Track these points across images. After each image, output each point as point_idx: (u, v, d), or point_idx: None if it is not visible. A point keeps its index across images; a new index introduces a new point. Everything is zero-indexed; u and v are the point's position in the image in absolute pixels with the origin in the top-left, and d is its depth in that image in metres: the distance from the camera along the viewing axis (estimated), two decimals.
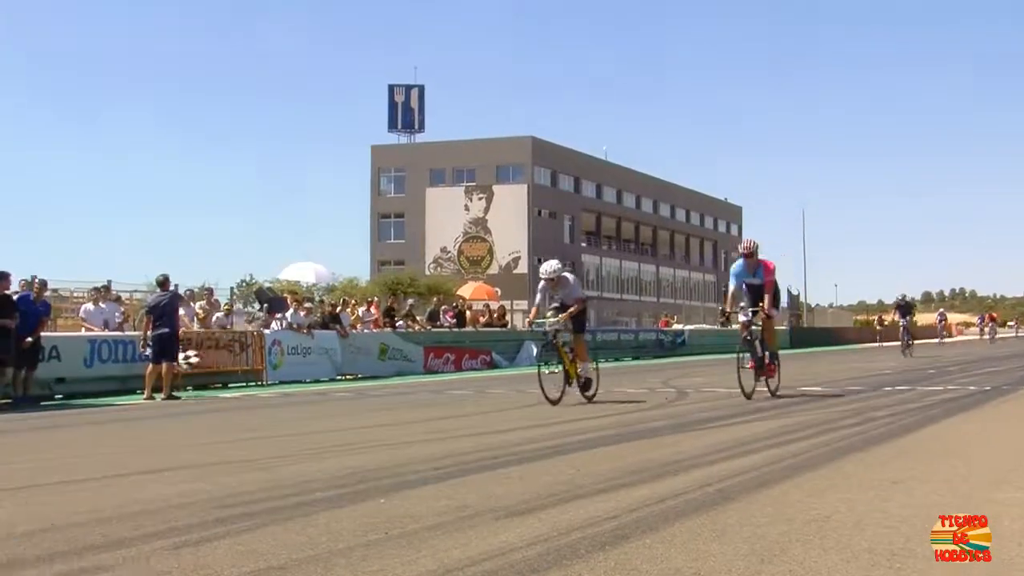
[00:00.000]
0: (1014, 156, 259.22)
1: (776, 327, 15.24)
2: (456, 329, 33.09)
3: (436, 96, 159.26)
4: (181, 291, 21.67)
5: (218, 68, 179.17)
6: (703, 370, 26.49)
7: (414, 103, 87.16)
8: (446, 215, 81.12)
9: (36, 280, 18.63)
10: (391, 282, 58.72)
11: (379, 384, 23.57)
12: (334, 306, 28.90)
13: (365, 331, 28.30)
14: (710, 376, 22.90)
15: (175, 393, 18.94)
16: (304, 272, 57.88)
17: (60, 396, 18.91)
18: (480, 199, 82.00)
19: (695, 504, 6.06)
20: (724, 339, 49.97)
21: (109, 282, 23.12)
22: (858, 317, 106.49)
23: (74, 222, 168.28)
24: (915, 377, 20.38)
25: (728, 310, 15.56)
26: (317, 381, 24.58)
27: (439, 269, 79.35)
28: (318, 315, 27.64)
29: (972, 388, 16.61)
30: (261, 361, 23.69)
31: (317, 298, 44.20)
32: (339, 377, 25.90)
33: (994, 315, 65.21)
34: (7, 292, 17.38)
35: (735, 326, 15.77)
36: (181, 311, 20.34)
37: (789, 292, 67.99)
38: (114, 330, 20.98)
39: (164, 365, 18.64)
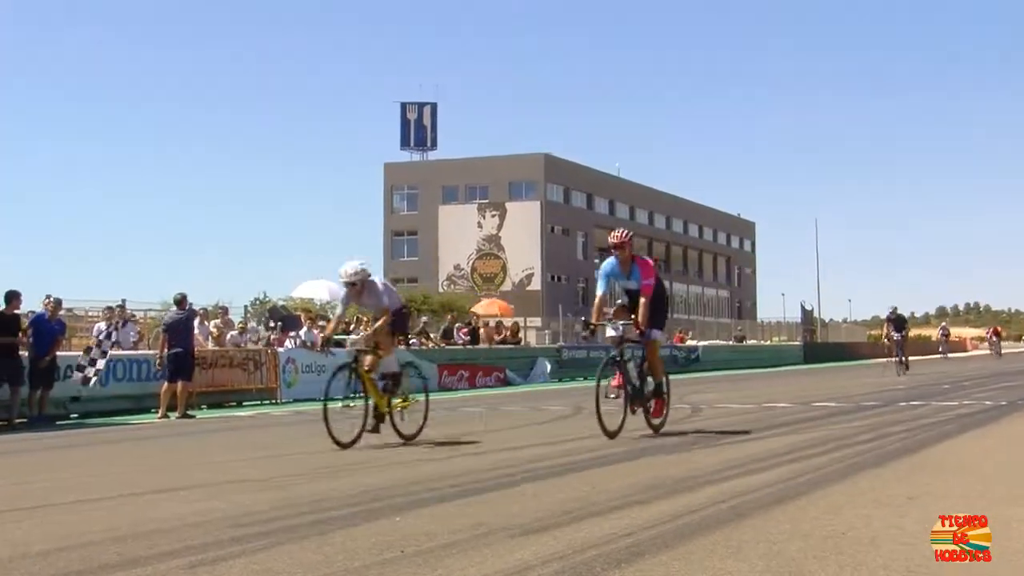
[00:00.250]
0: None
1: (658, 349, 11.89)
2: (470, 346, 33.09)
3: (448, 114, 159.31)
4: (196, 310, 21.70)
5: (230, 86, 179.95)
6: (717, 386, 26.43)
7: (426, 121, 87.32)
8: (459, 232, 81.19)
9: (51, 299, 18.68)
10: (404, 300, 58.71)
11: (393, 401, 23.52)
12: (348, 324, 28.88)
13: None
14: (724, 392, 22.86)
15: (189, 412, 18.96)
16: (317, 290, 57.81)
17: (75, 415, 18.95)
18: (493, 216, 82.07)
19: (711, 521, 6.04)
20: (739, 355, 50.13)
21: (124, 301, 23.20)
22: (872, 332, 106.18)
23: (89, 241, 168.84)
24: (930, 392, 20.30)
25: (593, 321, 12.63)
26: (332, 399, 24.52)
27: (452, 286, 79.39)
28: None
29: (988, 403, 16.53)
30: (275, 379, 23.70)
31: (331, 316, 44.30)
32: (353, 395, 25.82)
33: (999, 329, 63.77)
34: (17, 312, 17.47)
35: (606, 340, 12.78)
36: (196, 330, 20.37)
37: (803, 307, 67.74)
38: (128, 349, 21.02)
39: (179, 384, 18.67)
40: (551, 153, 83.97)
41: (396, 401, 12.58)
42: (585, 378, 36.07)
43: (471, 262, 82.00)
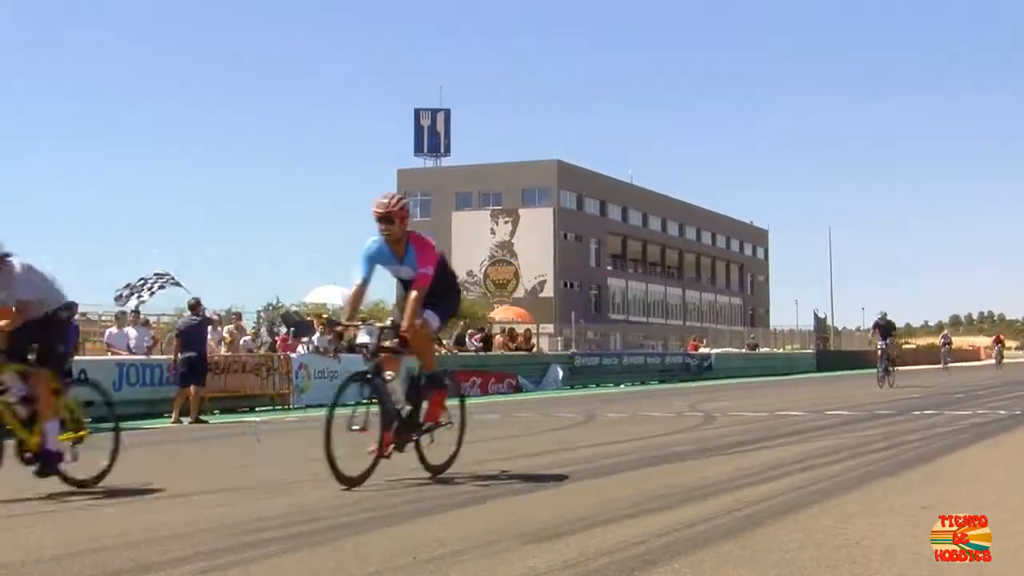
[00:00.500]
0: None
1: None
2: (482, 353, 33.10)
3: (461, 120, 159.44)
4: (209, 315, 21.74)
5: (243, 91, 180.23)
6: (730, 394, 26.39)
7: (440, 127, 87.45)
8: (472, 239, 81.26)
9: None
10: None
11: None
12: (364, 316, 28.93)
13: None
14: (737, 400, 22.82)
15: (202, 417, 19.00)
16: (330, 295, 57.95)
17: (88, 420, 18.97)
18: (506, 223, 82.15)
19: (723, 529, 6.03)
20: (752, 363, 50.02)
21: (137, 306, 23.26)
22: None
23: (98, 245, 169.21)
24: (944, 401, 20.24)
25: (344, 321, 10.04)
26: (344, 405, 24.55)
27: (465, 293, 79.35)
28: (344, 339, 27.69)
29: (1002, 412, 16.47)
30: (288, 385, 23.74)
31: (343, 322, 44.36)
32: (365, 401, 25.85)
33: (1001, 337, 60.49)
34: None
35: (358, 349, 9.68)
36: (209, 335, 20.42)
37: (816, 315, 67.60)
38: (142, 354, 21.07)
39: (192, 389, 18.72)
40: (564, 160, 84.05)
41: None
42: (598, 385, 36.12)
43: (484, 268, 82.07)
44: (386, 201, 9.15)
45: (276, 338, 26.13)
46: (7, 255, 8.30)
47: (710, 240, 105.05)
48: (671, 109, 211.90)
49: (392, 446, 8.82)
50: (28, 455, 8.34)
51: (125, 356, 20.70)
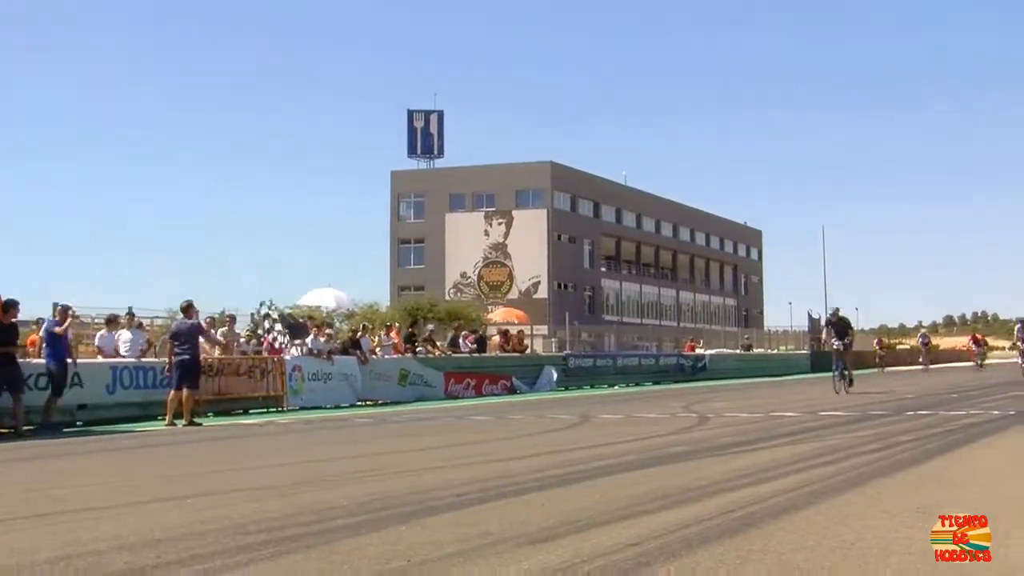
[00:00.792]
0: None
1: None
2: (476, 355, 33.09)
3: (455, 121, 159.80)
4: (202, 317, 21.70)
5: (238, 94, 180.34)
6: (724, 395, 26.40)
7: (433, 128, 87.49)
8: (466, 240, 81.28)
9: (59, 307, 18.81)
10: (411, 307, 58.82)
11: (400, 410, 23.57)
12: (354, 332, 28.92)
13: (385, 357, 28.33)
14: (731, 401, 22.83)
15: (196, 419, 18.96)
16: (324, 298, 58.16)
17: (82, 423, 18.97)
18: (500, 224, 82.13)
19: (718, 531, 6.03)
20: (746, 364, 50.04)
21: (130, 308, 23.22)
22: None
23: (92, 248, 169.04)
24: (938, 401, 20.27)
25: None
26: (338, 407, 24.59)
27: (459, 294, 79.42)
28: (338, 341, 27.70)
29: (995, 413, 16.50)
30: (282, 387, 23.71)
31: (337, 324, 44.32)
32: (359, 403, 25.90)
33: (979, 336, 56.40)
34: (15, 320, 17.54)
35: None
36: (202, 338, 20.37)
37: (810, 315, 67.53)
38: (135, 357, 21.02)
39: (185, 391, 18.68)
40: (557, 161, 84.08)
41: None
42: (592, 386, 36.13)
43: (478, 270, 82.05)
44: None
45: (264, 339, 26.04)
46: None
47: (704, 241, 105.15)
48: (664, 111, 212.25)
49: None
50: None
51: (119, 359, 20.65)
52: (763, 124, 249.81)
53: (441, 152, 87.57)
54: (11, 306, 17.41)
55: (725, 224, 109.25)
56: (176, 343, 18.99)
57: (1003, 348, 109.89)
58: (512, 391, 31.91)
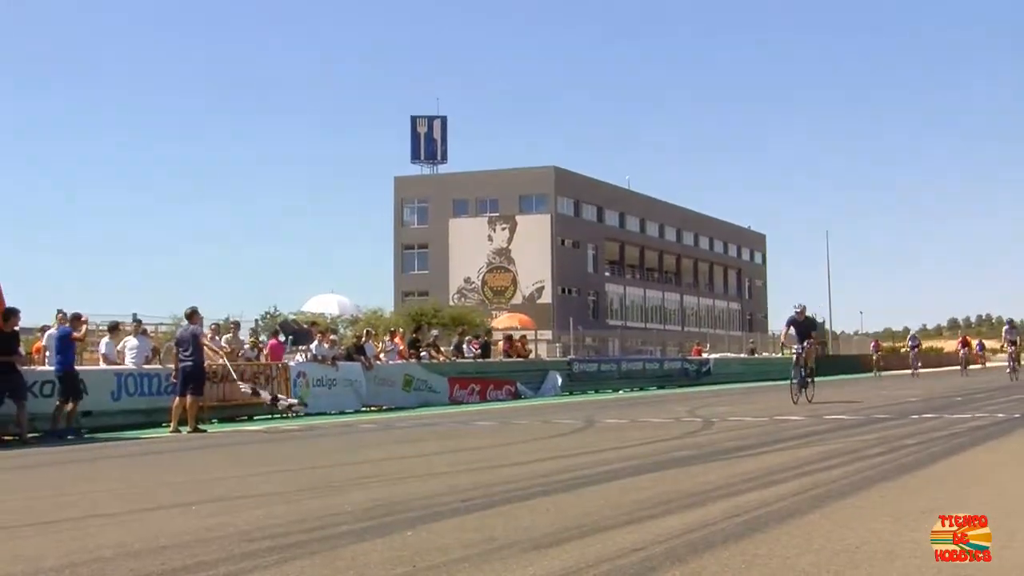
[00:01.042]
0: None
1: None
2: (481, 360, 33.08)
3: (458, 127, 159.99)
4: (207, 324, 21.71)
5: (241, 100, 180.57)
6: (728, 399, 26.39)
7: (436, 134, 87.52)
8: (469, 246, 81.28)
9: (63, 314, 18.93)
10: (415, 313, 58.83)
11: (404, 415, 23.57)
12: (359, 337, 28.92)
13: (390, 362, 28.32)
14: (736, 405, 22.82)
15: (200, 426, 18.97)
16: (328, 304, 58.13)
17: (86, 430, 18.99)
18: (503, 229, 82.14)
19: (723, 535, 6.03)
20: (750, 368, 49.98)
21: (135, 315, 23.25)
22: (884, 344, 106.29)
23: (95, 254, 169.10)
24: (942, 404, 20.25)
25: None
26: (342, 413, 24.60)
27: (463, 300, 79.42)
28: (342, 347, 27.71)
29: (1000, 415, 16.48)
30: (286, 393, 23.69)
31: (341, 330, 44.34)
32: (364, 409, 25.89)
33: (968, 339, 53.89)
34: (16, 329, 17.57)
35: None
36: (206, 344, 20.39)
37: (814, 320, 67.59)
38: (142, 364, 21.06)
39: (189, 398, 18.69)
40: (561, 166, 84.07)
41: None
42: (596, 391, 36.13)
43: (481, 275, 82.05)
44: None
45: (263, 346, 26.02)
46: None
47: (707, 245, 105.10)
48: (668, 115, 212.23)
49: None
50: None
51: (123, 366, 20.67)
52: (768, 129, 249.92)
53: (444, 158, 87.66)
54: (12, 314, 17.45)
55: (729, 228, 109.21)
56: (180, 350, 19.01)
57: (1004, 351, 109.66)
58: (516, 396, 31.89)
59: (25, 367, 18.04)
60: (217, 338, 22.73)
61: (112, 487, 10.29)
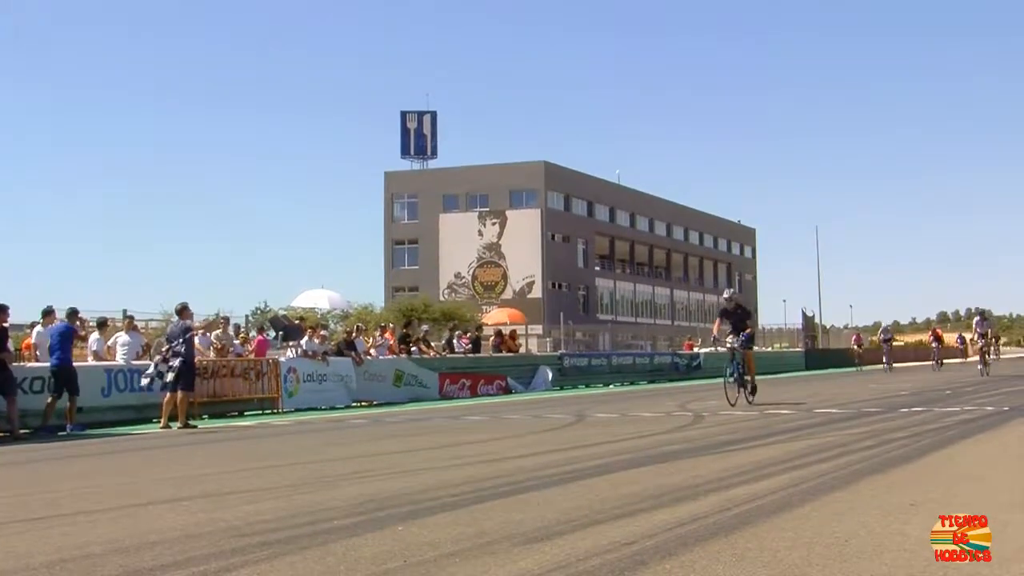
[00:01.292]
0: None
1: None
2: (471, 355, 33.10)
3: (448, 122, 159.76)
4: (197, 320, 21.69)
5: (231, 94, 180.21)
6: (719, 393, 26.38)
7: (427, 129, 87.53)
8: (460, 241, 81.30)
9: (51, 311, 19.00)
10: (405, 308, 58.79)
11: (395, 411, 23.56)
12: (349, 333, 28.95)
13: (380, 358, 28.32)
14: (726, 400, 22.80)
15: (191, 422, 18.95)
16: (318, 299, 58.03)
17: (85, 426, 18.96)
18: (493, 224, 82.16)
19: (713, 528, 6.04)
20: None
21: (125, 311, 23.21)
22: (874, 338, 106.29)
23: (85, 250, 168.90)
24: (932, 398, 20.30)
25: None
26: (333, 408, 24.59)
27: (453, 295, 79.43)
28: (333, 342, 27.70)
29: (990, 409, 16.53)
30: (277, 389, 23.70)
31: (332, 325, 44.29)
32: (354, 404, 25.89)
33: (939, 332, 50.55)
34: (4, 325, 17.54)
35: None
36: (197, 340, 20.37)
37: (804, 313, 67.72)
38: (132, 360, 21.03)
39: (180, 394, 18.67)
40: (551, 161, 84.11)
41: None
42: (587, 386, 36.15)
43: (472, 270, 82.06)
44: None
45: (252, 342, 26.01)
46: None
47: (697, 240, 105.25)
48: (658, 109, 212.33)
49: None
50: None
51: (114, 362, 20.64)
52: (757, 123, 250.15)
53: (435, 153, 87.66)
54: (1, 311, 17.43)
55: (719, 223, 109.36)
56: (171, 346, 18.98)
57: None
58: (507, 391, 31.92)
59: (14, 364, 18.01)
60: (207, 335, 22.72)
61: (102, 483, 10.27)
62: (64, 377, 18.07)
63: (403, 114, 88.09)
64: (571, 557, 5.35)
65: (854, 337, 58.54)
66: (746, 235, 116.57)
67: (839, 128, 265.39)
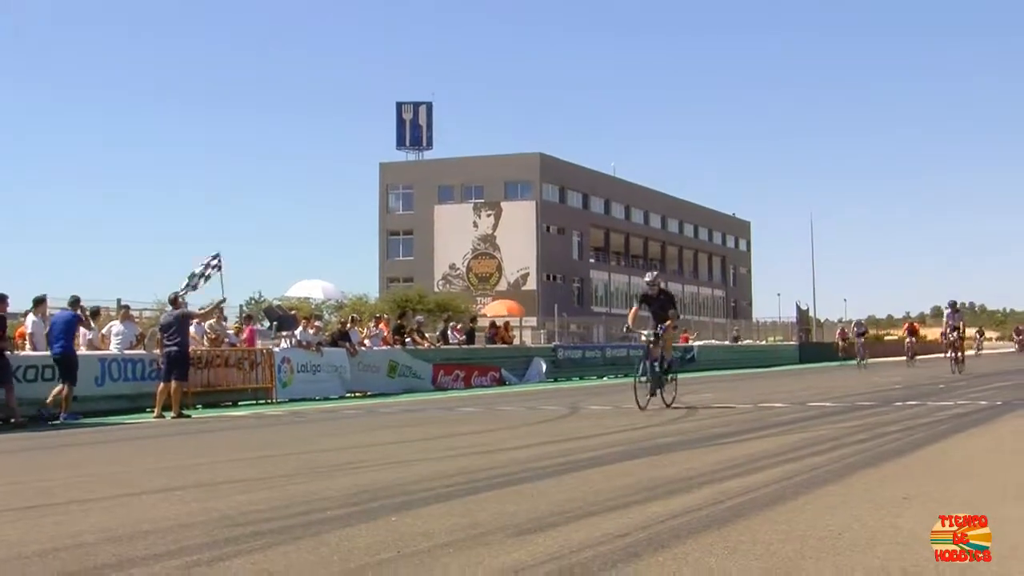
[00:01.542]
0: None
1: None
2: (465, 346, 33.09)
3: (444, 113, 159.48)
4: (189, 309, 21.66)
5: (225, 85, 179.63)
6: (713, 386, 26.44)
7: (422, 120, 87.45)
8: (454, 232, 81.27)
9: (44, 298, 19.06)
10: (400, 299, 58.79)
11: (388, 401, 23.56)
12: (343, 323, 28.89)
13: (374, 348, 28.30)
14: (720, 392, 22.87)
15: (185, 411, 18.95)
16: (312, 290, 57.95)
17: (79, 415, 18.96)
18: (488, 216, 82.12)
19: (706, 521, 6.05)
20: (735, 355, 50.12)
21: (119, 300, 23.18)
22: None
23: (80, 240, 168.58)
24: (925, 392, 20.34)
25: None
26: (326, 399, 24.59)
27: (448, 286, 79.43)
28: (327, 333, 27.70)
29: (983, 403, 16.56)
30: (271, 379, 23.69)
31: (326, 316, 44.27)
32: (348, 394, 25.89)
33: (915, 326, 46.77)
34: (3, 314, 17.52)
35: None
36: (192, 329, 20.36)
37: (798, 307, 67.75)
38: (126, 349, 21.03)
39: (173, 383, 18.66)
40: (546, 153, 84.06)
41: None
42: (581, 378, 36.18)
43: (467, 262, 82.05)
44: None
45: (244, 331, 25.95)
46: None
47: (692, 232, 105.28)
48: (654, 102, 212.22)
49: None
50: None
51: (108, 351, 20.64)
52: (751, 116, 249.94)
53: (430, 144, 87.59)
54: (1, 299, 17.42)
55: (713, 215, 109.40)
56: (165, 335, 18.98)
57: (990, 339, 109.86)
58: (501, 383, 31.93)
59: (8, 353, 18.00)
60: (202, 324, 22.69)
61: (96, 472, 10.27)
62: (66, 365, 18.08)
63: (399, 105, 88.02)
64: (564, 548, 5.35)
65: (839, 331, 57.82)
66: (741, 228, 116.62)
67: (835, 122, 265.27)
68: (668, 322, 17.33)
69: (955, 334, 31.56)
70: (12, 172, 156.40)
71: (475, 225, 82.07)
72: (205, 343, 22.65)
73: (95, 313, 21.53)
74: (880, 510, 6.35)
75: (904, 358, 42.63)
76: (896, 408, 15.71)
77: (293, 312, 29.25)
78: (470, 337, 34.38)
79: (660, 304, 17.55)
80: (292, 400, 23.60)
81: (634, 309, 18.32)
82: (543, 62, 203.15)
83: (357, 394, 26.15)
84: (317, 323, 27.89)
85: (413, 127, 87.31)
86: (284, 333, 26.29)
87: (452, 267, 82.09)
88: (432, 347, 31.29)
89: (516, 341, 39.49)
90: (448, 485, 7.92)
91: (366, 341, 28.32)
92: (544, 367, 34.84)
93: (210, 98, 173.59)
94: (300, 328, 26.01)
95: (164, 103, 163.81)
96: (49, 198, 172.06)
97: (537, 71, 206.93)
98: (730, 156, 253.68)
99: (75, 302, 18.94)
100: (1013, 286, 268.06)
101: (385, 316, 33.99)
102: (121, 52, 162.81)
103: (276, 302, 40.72)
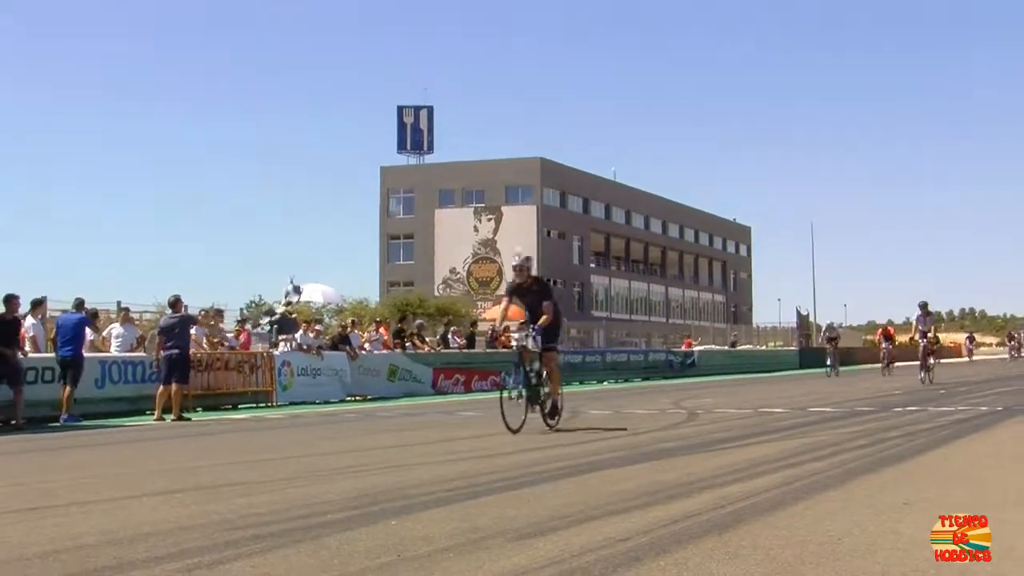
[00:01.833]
0: None
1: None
2: (466, 350, 33.09)
3: (445, 117, 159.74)
4: (191, 312, 21.67)
5: (227, 89, 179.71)
6: (713, 391, 26.44)
7: (423, 124, 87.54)
8: (455, 236, 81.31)
9: (37, 300, 19.17)
10: (400, 303, 58.79)
11: (389, 405, 23.56)
12: (344, 327, 28.91)
13: (375, 352, 28.31)
14: (720, 397, 22.86)
15: (184, 414, 18.95)
16: (313, 293, 58.05)
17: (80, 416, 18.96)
18: (489, 220, 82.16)
19: (707, 526, 6.04)
20: (735, 360, 50.11)
21: (119, 303, 23.19)
22: (868, 337, 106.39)
23: (81, 242, 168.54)
24: (926, 397, 20.33)
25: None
26: (327, 402, 24.59)
27: (448, 290, 79.46)
28: (327, 336, 27.71)
29: (984, 408, 16.56)
30: (271, 382, 23.69)
31: (326, 319, 44.27)
32: (348, 398, 25.90)
33: (891, 330, 42.09)
34: (16, 315, 17.55)
35: None
36: (193, 332, 20.37)
37: (798, 312, 67.77)
38: (127, 352, 21.03)
39: (174, 386, 18.66)
40: (547, 157, 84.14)
41: None
42: (581, 382, 36.16)
43: (467, 266, 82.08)
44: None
45: (243, 334, 25.96)
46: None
47: (693, 237, 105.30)
48: (654, 107, 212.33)
49: None
50: None
51: (108, 354, 20.65)
52: (753, 121, 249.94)
53: (431, 148, 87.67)
54: (13, 299, 17.45)
55: (714, 220, 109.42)
56: (165, 338, 18.98)
57: (990, 345, 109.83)
58: (501, 387, 31.85)
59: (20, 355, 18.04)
60: (202, 327, 22.69)
61: (96, 474, 10.27)
62: (75, 368, 18.15)
63: (400, 109, 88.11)
64: (565, 553, 5.35)
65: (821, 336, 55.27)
66: (741, 233, 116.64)
67: (836, 127, 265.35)
68: (544, 318, 14.01)
69: (924, 340, 28.90)
70: (12, 172, 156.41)
71: (476, 229, 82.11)
72: (205, 346, 22.65)
73: (94, 315, 21.55)
74: (880, 516, 6.34)
75: (879, 365, 39.82)
76: (896, 414, 15.71)
77: (293, 316, 29.25)
78: (470, 341, 34.36)
79: (534, 296, 14.27)
80: (292, 403, 23.59)
81: (504, 303, 15.17)
82: (544, 67, 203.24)
83: (357, 398, 26.15)
84: (317, 327, 27.91)
85: (414, 131, 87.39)
86: (285, 336, 26.30)
87: (452, 271, 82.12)
88: (432, 351, 31.30)
89: None
90: (448, 489, 7.92)
91: (366, 345, 28.33)
92: None
93: (211, 100, 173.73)
94: (300, 332, 26.02)
95: (164, 104, 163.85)
96: (49, 198, 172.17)
97: (538, 76, 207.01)
98: (731, 161, 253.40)
99: (80, 304, 18.97)
100: (1013, 291, 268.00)
101: (385, 320, 34.00)
102: (121, 52, 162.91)
103: (279, 304, 40.72)
